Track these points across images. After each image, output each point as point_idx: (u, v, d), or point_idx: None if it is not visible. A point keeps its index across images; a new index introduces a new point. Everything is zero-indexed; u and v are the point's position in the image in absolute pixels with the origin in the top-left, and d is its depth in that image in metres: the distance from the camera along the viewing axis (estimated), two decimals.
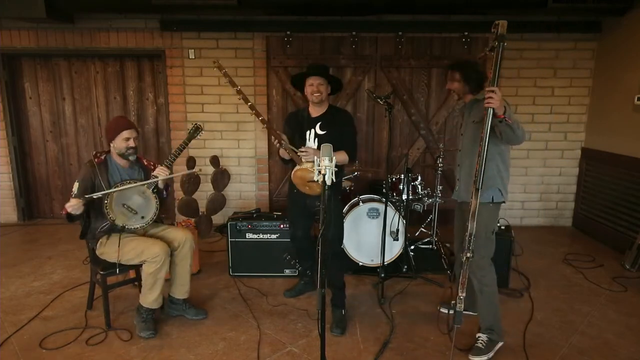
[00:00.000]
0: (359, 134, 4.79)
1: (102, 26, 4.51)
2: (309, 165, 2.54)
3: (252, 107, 2.63)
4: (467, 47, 4.52)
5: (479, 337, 2.43)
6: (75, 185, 2.55)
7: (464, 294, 2.16)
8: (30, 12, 3.85)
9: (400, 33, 4.52)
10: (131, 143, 2.61)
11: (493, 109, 1.99)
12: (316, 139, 2.73)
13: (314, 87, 2.65)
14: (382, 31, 4.54)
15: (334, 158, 1.76)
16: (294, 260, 3.33)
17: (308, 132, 2.74)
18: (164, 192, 2.78)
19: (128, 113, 4.89)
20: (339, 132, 2.69)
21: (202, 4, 3.91)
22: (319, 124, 2.73)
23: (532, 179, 4.85)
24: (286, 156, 2.66)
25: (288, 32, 4.51)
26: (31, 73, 4.80)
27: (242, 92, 2.62)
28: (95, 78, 4.81)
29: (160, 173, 2.65)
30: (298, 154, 2.59)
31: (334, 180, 1.80)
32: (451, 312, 2.55)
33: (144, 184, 2.62)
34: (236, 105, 4.66)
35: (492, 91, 1.96)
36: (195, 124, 2.84)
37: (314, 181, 2.55)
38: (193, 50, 4.55)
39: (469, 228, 2.06)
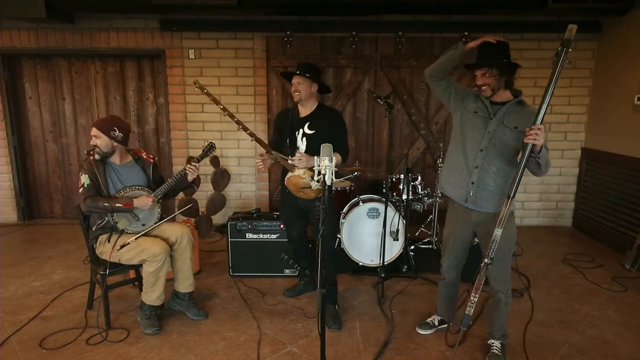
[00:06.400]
0: (359, 134, 4.81)
1: (102, 26, 4.51)
2: (301, 172, 2.57)
3: (239, 123, 2.67)
4: None
5: (492, 343, 2.40)
6: (85, 177, 2.55)
7: (476, 299, 2.14)
8: (30, 12, 3.85)
9: (400, 33, 4.51)
10: (93, 141, 2.59)
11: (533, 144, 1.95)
12: (304, 139, 2.73)
13: (294, 85, 2.68)
14: (382, 31, 4.54)
15: (334, 158, 1.76)
16: (292, 260, 3.34)
17: (297, 132, 2.75)
18: (195, 186, 2.92)
19: (128, 113, 4.89)
20: (328, 131, 2.67)
21: (202, 4, 3.91)
22: (307, 124, 2.73)
23: (532, 179, 4.84)
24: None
25: (288, 32, 4.51)
26: (31, 73, 4.80)
27: (227, 110, 2.68)
28: (95, 78, 4.81)
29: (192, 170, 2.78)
30: (289, 162, 2.61)
31: (334, 179, 1.80)
32: (429, 332, 2.65)
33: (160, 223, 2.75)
34: (236, 105, 4.66)
35: (539, 128, 1.92)
36: (211, 142, 2.88)
37: (308, 187, 2.58)
38: (193, 50, 4.56)
39: (495, 235, 2.06)
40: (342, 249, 3.50)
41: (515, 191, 2.04)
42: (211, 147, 2.85)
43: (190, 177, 2.77)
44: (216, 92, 4.62)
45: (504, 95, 2.21)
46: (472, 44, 2.17)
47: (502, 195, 2.14)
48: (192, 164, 2.74)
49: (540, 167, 2.07)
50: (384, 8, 4.31)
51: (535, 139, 1.92)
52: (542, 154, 2.00)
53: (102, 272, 2.60)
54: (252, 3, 4.04)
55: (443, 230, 2.51)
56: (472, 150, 2.23)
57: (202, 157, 2.80)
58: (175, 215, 2.88)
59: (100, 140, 2.58)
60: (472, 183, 2.23)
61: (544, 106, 1.95)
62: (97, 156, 2.61)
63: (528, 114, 2.12)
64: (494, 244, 2.07)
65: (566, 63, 1.96)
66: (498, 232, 2.06)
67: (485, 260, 2.10)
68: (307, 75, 2.64)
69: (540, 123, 1.96)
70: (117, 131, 2.61)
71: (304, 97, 2.69)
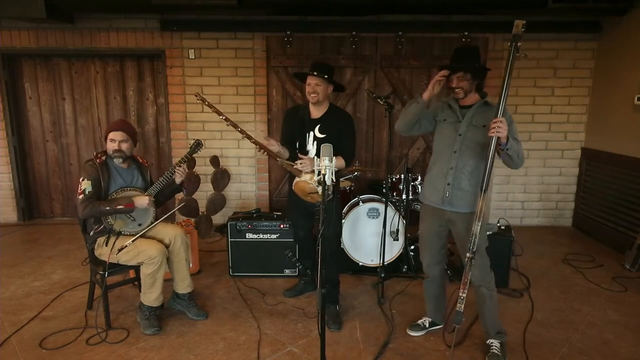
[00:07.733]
0: (359, 134, 4.80)
1: (102, 26, 4.51)
2: (308, 177, 2.52)
3: (242, 132, 2.61)
4: None
5: (491, 343, 2.40)
6: (88, 183, 2.52)
7: (465, 294, 2.17)
8: (30, 12, 3.85)
9: (400, 33, 4.51)
10: (115, 146, 2.58)
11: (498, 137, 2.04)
12: (315, 142, 2.69)
13: (311, 87, 2.59)
14: (382, 31, 4.54)
15: (334, 158, 1.76)
16: (295, 258, 3.34)
17: (307, 135, 2.71)
18: (184, 190, 2.91)
19: (128, 113, 4.89)
20: (337, 135, 2.62)
21: (202, 4, 3.91)
22: (318, 127, 2.67)
23: (532, 179, 4.85)
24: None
25: (288, 32, 4.51)
26: (31, 73, 4.80)
27: (230, 120, 2.62)
28: (95, 78, 4.81)
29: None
30: (294, 167, 2.56)
31: (334, 180, 1.79)
32: (419, 333, 2.64)
33: (156, 223, 2.76)
34: (236, 105, 4.67)
35: (501, 121, 2.00)
36: (197, 140, 2.83)
37: (315, 192, 2.54)
38: (193, 50, 4.56)
39: (474, 229, 2.12)
40: (342, 249, 3.50)
41: (487, 184, 2.10)
42: (198, 144, 2.80)
43: (178, 179, 2.75)
44: (216, 92, 4.63)
45: (473, 97, 2.34)
46: (426, 95, 2.31)
47: (476, 196, 2.21)
48: (181, 165, 2.72)
49: (512, 159, 2.16)
50: (384, 8, 4.31)
51: (498, 132, 2.01)
52: (510, 146, 2.09)
53: (101, 272, 2.60)
54: (252, 3, 4.04)
55: (418, 230, 2.57)
56: (447, 153, 2.35)
57: (190, 154, 2.77)
58: (171, 214, 2.86)
59: (127, 144, 2.62)
60: (448, 184, 2.33)
61: (503, 99, 2.04)
62: (119, 160, 2.62)
63: (494, 112, 2.18)
64: (474, 238, 2.13)
65: (522, 55, 2.02)
66: (477, 225, 2.12)
67: (468, 254, 2.15)
68: (326, 77, 2.58)
69: (502, 116, 2.04)
70: (136, 135, 2.70)
71: (322, 99, 2.63)
